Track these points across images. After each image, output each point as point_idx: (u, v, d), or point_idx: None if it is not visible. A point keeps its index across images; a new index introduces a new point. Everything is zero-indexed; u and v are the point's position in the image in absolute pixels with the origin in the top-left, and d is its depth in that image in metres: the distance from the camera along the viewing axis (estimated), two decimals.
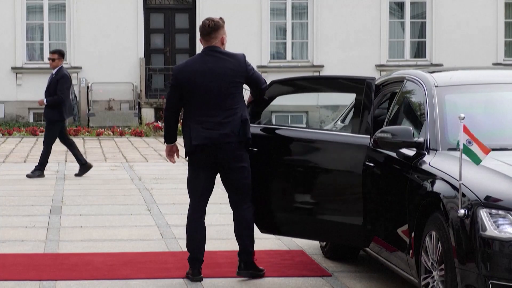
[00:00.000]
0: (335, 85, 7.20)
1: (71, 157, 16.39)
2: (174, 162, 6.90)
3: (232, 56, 6.55)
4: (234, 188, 6.54)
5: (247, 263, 6.61)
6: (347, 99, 6.81)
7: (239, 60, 6.54)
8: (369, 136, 6.44)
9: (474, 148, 5.14)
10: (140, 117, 23.98)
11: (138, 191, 11.53)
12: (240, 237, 6.61)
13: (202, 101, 6.46)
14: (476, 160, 5.15)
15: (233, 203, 6.61)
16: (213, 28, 6.52)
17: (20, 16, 24.39)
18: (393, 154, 6.09)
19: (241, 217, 6.58)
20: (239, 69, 6.50)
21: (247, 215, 6.57)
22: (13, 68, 24.38)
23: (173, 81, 6.58)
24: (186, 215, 6.67)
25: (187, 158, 6.63)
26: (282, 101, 7.20)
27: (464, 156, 5.13)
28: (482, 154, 5.14)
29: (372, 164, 6.30)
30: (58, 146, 18.71)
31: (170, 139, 6.74)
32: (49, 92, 13.11)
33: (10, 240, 8.06)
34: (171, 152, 6.81)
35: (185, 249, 7.72)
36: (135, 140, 20.63)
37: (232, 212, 6.70)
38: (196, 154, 6.50)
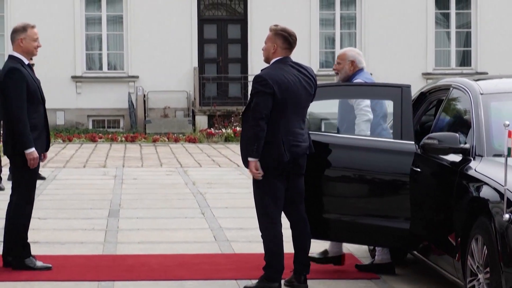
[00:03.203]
0: (371, 92, 7.17)
1: (128, 162, 16.74)
2: (262, 174, 6.27)
3: (307, 68, 6.47)
4: (299, 195, 6.45)
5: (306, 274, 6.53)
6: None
7: (313, 73, 6.49)
8: (413, 142, 6.58)
9: None
10: (194, 124, 24.26)
11: (192, 195, 11.67)
12: (301, 242, 6.47)
13: (291, 111, 6.25)
14: None
15: (294, 210, 6.47)
16: (296, 39, 6.45)
17: (79, 27, 24.84)
18: (440, 160, 6.18)
19: (303, 223, 6.47)
20: (313, 81, 6.43)
21: (307, 221, 6.50)
22: (73, 77, 24.81)
23: (267, 89, 6.17)
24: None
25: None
26: (327, 108, 7.28)
27: (509, 161, 5.20)
28: None
29: (419, 169, 6.40)
30: (116, 152, 19.08)
31: (259, 152, 6.21)
32: None
33: (70, 242, 8.22)
34: (257, 166, 6.24)
35: (238, 251, 7.92)
36: (189, 146, 20.80)
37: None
38: (279, 166, 6.26)
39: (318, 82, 6.56)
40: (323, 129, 7.84)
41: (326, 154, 6.76)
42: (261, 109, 6.17)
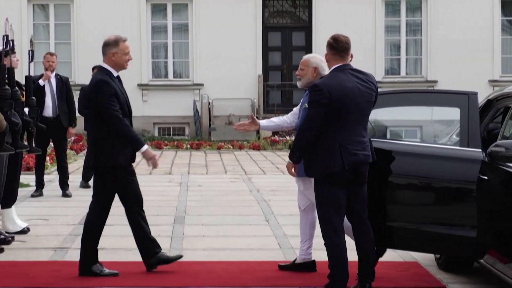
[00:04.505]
0: (437, 100, 7.15)
1: (193, 169, 16.88)
2: (296, 175, 6.65)
3: (367, 75, 6.44)
4: (361, 204, 6.43)
5: (371, 282, 6.50)
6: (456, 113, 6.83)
7: (374, 80, 6.46)
8: (480, 150, 6.53)
9: None
10: (258, 132, 24.35)
11: (257, 202, 11.72)
12: (364, 250, 6.45)
13: (350, 120, 6.24)
14: None
15: (357, 218, 6.45)
16: (349, 44, 6.38)
17: (146, 35, 25.12)
18: (508, 168, 6.10)
19: (367, 231, 6.46)
20: (373, 88, 6.41)
21: (371, 229, 6.49)
22: (139, 85, 25.09)
23: (323, 99, 6.17)
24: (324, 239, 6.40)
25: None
26: (393, 115, 7.23)
27: None
28: None
29: (486, 177, 6.34)
30: (181, 159, 19.25)
31: (300, 159, 6.43)
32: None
33: (136, 249, 8.10)
34: (295, 169, 6.52)
35: None
36: (253, 154, 20.90)
37: None
38: (338, 174, 6.27)
39: (384, 89, 6.52)
40: (388, 136, 7.78)
41: (391, 161, 6.73)
42: (312, 122, 6.22)
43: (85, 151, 15.98)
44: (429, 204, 6.74)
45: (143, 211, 7.34)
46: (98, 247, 7.26)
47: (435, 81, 25.11)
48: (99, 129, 7.09)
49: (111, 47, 7.14)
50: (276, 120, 7.48)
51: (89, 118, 7.22)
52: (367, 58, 24.81)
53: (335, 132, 6.24)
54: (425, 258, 7.81)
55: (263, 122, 7.46)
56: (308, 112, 6.32)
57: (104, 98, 6.95)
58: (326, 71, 6.97)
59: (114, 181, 7.13)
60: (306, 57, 7.23)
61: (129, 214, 7.27)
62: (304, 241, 7.35)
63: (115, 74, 7.15)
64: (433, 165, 6.65)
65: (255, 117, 7.35)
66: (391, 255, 7.92)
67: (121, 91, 7.13)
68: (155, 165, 7.22)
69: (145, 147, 7.10)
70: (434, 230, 6.60)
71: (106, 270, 7.19)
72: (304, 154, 6.35)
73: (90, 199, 12.11)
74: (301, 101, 7.31)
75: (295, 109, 7.43)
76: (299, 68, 7.22)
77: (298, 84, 7.24)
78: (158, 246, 7.33)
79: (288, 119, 7.44)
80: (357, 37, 24.45)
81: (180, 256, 7.38)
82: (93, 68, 13.87)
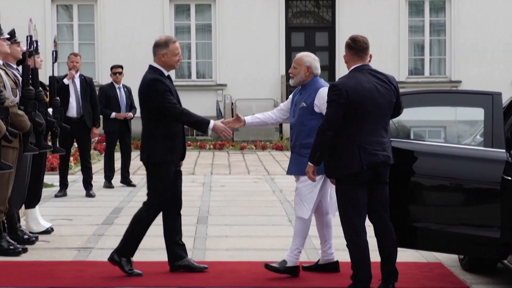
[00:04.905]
0: (461, 100, 7.14)
1: (216, 169, 16.91)
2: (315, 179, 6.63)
3: (386, 76, 6.43)
4: (382, 204, 6.42)
5: (394, 282, 6.48)
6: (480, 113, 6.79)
7: (394, 81, 6.45)
8: (504, 150, 6.49)
9: None
10: (281, 132, 24.34)
11: (280, 203, 11.73)
12: (386, 250, 6.44)
13: (369, 120, 6.24)
14: None
15: (378, 218, 6.45)
16: (367, 44, 6.38)
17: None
18: None
19: (388, 232, 6.44)
20: (394, 89, 6.40)
21: (393, 229, 6.47)
22: None
23: (341, 98, 6.18)
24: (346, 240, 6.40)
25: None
26: (417, 115, 7.22)
27: None
28: None
29: (510, 178, 6.31)
30: (204, 159, 19.27)
31: (320, 161, 6.39)
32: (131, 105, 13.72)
33: (159, 249, 8.20)
34: (315, 172, 6.49)
35: None
36: (276, 154, 20.89)
37: None
38: (357, 175, 6.26)
39: (407, 90, 6.52)
40: (412, 137, 7.76)
41: (414, 162, 6.71)
42: (331, 121, 6.23)
43: None
44: (453, 205, 6.71)
45: (180, 215, 7.39)
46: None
47: (459, 81, 25.00)
48: (150, 127, 7.15)
49: (161, 48, 7.18)
50: (261, 116, 7.50)
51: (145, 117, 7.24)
52: (391, 58, 24.74)
53: (353, 132, 6.24)
54: (449, 259, 7.79)
55: (248, 119, 7.48)
56: (326, 112, 6.33)
57: (158, 94, 7.03)
58: (318, 70, 7.16)
59: (165, 176, 7.14)
60: (299, 55, 7.27)
61: (165, 213, 7.33)
62: (323, 242, 7.36)
63: (165, 73, 7.21)
64: (457, 166, 6.62)
65: (239, 115, 7.36)
66: (414, 256, 7.92)
67: (173, 89, 7.19)
68: (228, 136, 7.28)
69: (212, 123, 7.16)
70: (458, 231, 6.58)
71: (134, 271, 7.21)
72: (324, 155, 6.34)
73: (114, 199, 12.20)
74: (293, 99, 7.32)
75: (282, 105, 7.48)
76: (292, 66, 7.28)
77: (291, 82, 7.31)
78: (185, 252, 7.37)
79: (274, 115, 7.47)
80: (380, 37, 24.44)
81: (206, 268, 7.35)
82: (112, 68, 13.93)
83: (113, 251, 7.26)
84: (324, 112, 6.80)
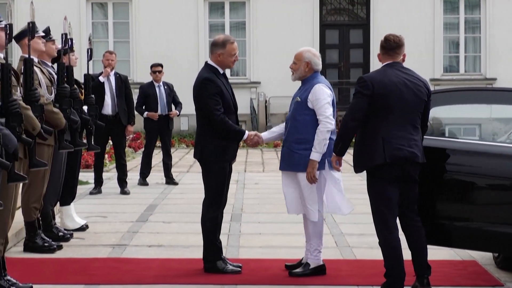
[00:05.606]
0: (501, 98, 7.10)
1: (250, 167, 16.91)
2: (340, 169, 6.75)
3: (418, 76, 6.43)
4: (411, 202, 6.40)
5: (428, 276, 6.46)
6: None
7: (425, 81, 6.46)
8: None
9: None
10: None
11: None
12: (416, 246, 6.41)
13: (395, 114, 6.23)
14: None
15: (406, 216, 6.43)
16: (398, 43, 6.38)
17: (203, 34, 25.24)
18: None
19: (415, 228, 6.42)
20: (425, 89, 6.38)
21: (420, 225, 6.45)
22: None
23: (365, 90, 6.22)
24: (376, 233, 6.38)
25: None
26: (452, 113, 7.17)
27: None
28: None
29: None
30: (238, 157, 19.24)
31: (343, 151, 6.48)
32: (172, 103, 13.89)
33: (193, 246, 8.33)
34: (340, 162, 6.59)
35: (359, 257, 7.92)
36: None
37: None
38: (383, 170, 6.25)
39: (442, 87, 6.50)
40: (447, 135, 7.71)
41: (450, 159, 6.67)
42: (354, 111, 6.26)
43: (142, 149, 16.12)
44: (491, 203, 6.66)
45: (222, 214, 7.39)
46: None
47: (494, 79, 24.81)
48: (203, 124, 7.22)
49: (218, 47, 7.24)
50: (277, 129, 7.55)
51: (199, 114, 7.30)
52: (426, 56, 24.62)
53: (378, 125, 6.24)
54: (483, 257, 7.75)
55: (265, 135, 7.51)
56: (352, 102, 6.36)
57: (207, 96, 7.07)
58: (319, 66, 7.21)
59: (219, 174, 7.19)
60: (299, 51, 7.34)
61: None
62: (307, 240, 7.34)
63: (221, 71, 7.27)
64: (492, 164, 6.58)
65: (258, 134, 7.41)
66: (449, 254, 7.88)
67: (226, 88, 7.22)
68: (257, 145, 7.37)
69: (246, 134, 7.24)
70: (495, 229, 6.53)
71: (230, 267, 7.25)
72: (347, 145, 6.38)
73: (148, 196, 12.25)
74: (294, 94, 7.35)
75: None
76: (292, 61, 7.33)
77: (292, 77, 7.39)
78: (221, 251, 7.36)
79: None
80: (415, 34, 24.31)
81: (239, 272, 7.33)
82: (151, 66, 14.00)
83: (204, 263, 7.27)
84: (316, 108, 6.96)
